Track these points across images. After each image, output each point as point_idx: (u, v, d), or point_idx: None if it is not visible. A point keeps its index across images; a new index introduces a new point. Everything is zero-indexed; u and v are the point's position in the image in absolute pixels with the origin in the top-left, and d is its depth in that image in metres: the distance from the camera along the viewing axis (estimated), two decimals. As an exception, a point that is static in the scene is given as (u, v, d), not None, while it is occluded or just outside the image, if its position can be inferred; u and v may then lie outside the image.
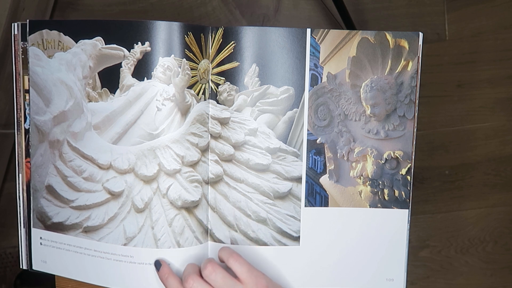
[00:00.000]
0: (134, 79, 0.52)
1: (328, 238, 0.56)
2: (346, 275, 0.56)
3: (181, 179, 0.53)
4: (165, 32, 0.51)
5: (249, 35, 0.52)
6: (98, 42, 0.52)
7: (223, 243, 0.54)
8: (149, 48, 0.51)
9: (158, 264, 0.53)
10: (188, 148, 0.53)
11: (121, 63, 0.52)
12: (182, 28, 0.51)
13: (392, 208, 0.55)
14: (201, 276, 0.50)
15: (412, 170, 0.55)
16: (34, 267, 0.58)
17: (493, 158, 1.20)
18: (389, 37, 0.53)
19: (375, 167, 0.55)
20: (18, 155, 0.57)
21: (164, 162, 0.53)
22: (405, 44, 0.53)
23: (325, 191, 0.55)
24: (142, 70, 0.52)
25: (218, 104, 0.53)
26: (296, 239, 0.55)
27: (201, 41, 0.52)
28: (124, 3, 1.19)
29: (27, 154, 0.56)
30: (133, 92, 0.53)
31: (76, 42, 0.53)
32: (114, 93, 0.53)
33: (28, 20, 0.54)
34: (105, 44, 0.52)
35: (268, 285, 0.50)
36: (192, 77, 0.52)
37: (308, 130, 0.54)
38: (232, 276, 0.49)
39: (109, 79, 0.53)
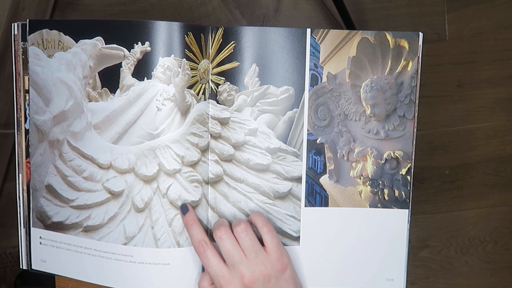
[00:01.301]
0: (134, 79, 0.52)
1: (328, 238, 0.56)
2: (346, 275, 0.56)
3: (181, 179, 0.53)
4: (165, 32, 0.51)
5: (249, 35, 0.52)
6: (98, 42, 0.52)
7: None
8: (149, 48, 0.51)
9: (185, 209, 0.52)
10: (188, 148, 0.53)
11: (121, 63, 0.52)
12: (182, 28, 0.51)
13: (392, 208, 0.55)
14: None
15: (412, 170, 0.55)
16: (33, 267, 0.58)
17: (493, 158, 1.20)
18: (389, 37, 0.53)
19: (375, 167, 0.55)
20: (18, 155, 0.57)
21: (164, 162, 0.53)
22: (405, 44, 0.53)
23: (325, 191, 0.55)
24: (142, 70, 0.52)
25: (218, 104, 0.53)
26: (296, 239, 0.55)
27: (201, 41, 0.52)
28: (124, 3, 1.19)
29: (27, 154, 0.56)
30: (133, 92, 0.53)
31: (76, 42, 0.53)
32: (114, 93, 0.53)
33: (28, 20, 0.54)
34: (105, 44, 0.52)
35: (289, 265, 0.51)
36: (192, 77, 0.52)
37: (308, 130, 0.54)
38: (259, 243, 0.50)
39: (109, 79, 0.53)
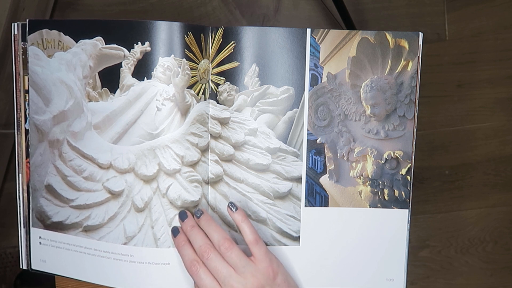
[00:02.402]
0: (134, 79, 0.52)
1: (328, 238, 0.56)
2: (346, 275, 0.56)
3: (181, 179, 0.53)
4: (165, 32, 0.51)
5: (249, 35, 0.52)
6: (98, 42, 0.52)
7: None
8: (149, 48, 0.51)
9: (175, 231, 0.52)
10: (188, 148, 0.53)
11: (121, 63, 0.52)
12: (182, 28, 0.51)
13: (392, 208, 0.55)
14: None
15: (412, 170, 0.55)
16: (33, 267, 0.58)
17: (493, 158, 1.20)
18: (389, 37, 0.53)
19: (375, 167, 0.55)
20: (18, 155, 0.57)
21: (164, 162, 0.53)
22: (405, 44, 0.53)
23: (325, 191, 0.55)
24: (142, 70, 0.52)
25: (218, 104, 0.53)
26: (296, 239, 0.55)
27: (201, 41, 0.52)
28: (124, 3, 1.19)
29: (27, 154, 0.56)
30: (133, 92, 0.53)
31: (76, 42, 0.53)
32: (114, 93, 0.53)
33: (28, 20, 0.54)
34: (105, 44, 0.52)
35: (279, 270, 0.51)
36: (192, 77, 0.52)
37: (308, 130, 0.54)
38: (245, 256, 0.50)
39: (109, 79, 0.53)
